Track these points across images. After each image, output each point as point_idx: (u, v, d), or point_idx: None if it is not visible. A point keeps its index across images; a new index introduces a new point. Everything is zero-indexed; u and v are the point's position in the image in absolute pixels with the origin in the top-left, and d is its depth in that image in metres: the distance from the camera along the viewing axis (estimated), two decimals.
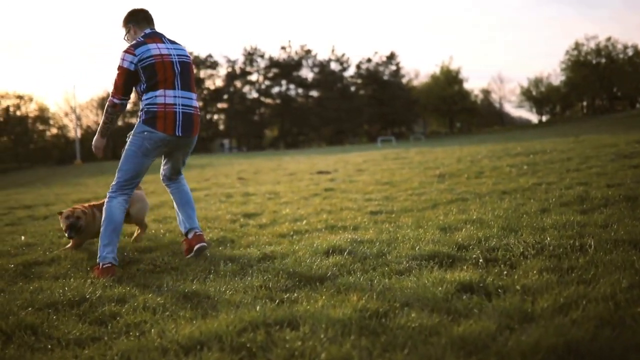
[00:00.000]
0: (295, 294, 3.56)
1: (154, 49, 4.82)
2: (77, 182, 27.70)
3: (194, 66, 5.28)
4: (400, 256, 4.39)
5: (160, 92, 4.82)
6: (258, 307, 3.19)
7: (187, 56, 5.01)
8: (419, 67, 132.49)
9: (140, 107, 4.90)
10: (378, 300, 3.19)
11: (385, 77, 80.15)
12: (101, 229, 4.87)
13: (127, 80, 4.81)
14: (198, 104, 5.12)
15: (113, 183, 5.00)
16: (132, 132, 4.94)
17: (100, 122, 5.03)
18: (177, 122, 4.85)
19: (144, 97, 4.90)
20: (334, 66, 79.13)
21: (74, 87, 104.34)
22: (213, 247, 5.74)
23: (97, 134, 5.12)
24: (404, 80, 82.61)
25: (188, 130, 4.94)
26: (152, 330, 3.07)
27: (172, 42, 5.00)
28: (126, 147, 4.93)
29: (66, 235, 5.76)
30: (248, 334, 2.82)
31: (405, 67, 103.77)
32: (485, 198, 7.68)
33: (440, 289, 3.28)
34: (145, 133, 4.82)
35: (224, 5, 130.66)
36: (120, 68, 4.80)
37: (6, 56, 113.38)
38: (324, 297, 3.38)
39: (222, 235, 6.34)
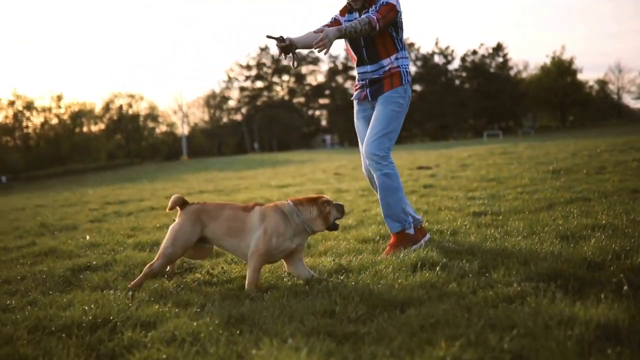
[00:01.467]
0: (365, 328, 2.66)
1: None
2: (178, 178, 28.09)
3: None
4: (510, 274, 3.37)
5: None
6: (305, 351, 2.30)
7: None
8: (527, 58, 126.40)
9: (396, 64, 4.59)
10: (478, 347, 2.22)
11: (492, 70, 77.05)
12: (388, 199, 4.47)
13: (393, 20, 4.46)
14: None
15: (385, 149, 4.49)
16: (398, 94, 4.56)
17: (348, 26, 4.27)
18: None
19: (400, 55, 4.63)
20: (438, 59, 76.95)
21: (181, 89, 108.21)
22: None
23: (335, 30, 4.23)
24: (512, 73, 79.07)
25: None
26: None
27: None
28: (394, 109, 4.54)
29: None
30: None
31: (513, 58, 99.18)
32: (612, 198, 6.42)
33: (569, 332, 2.26)
34: (409, 97, 4.66)
35: None
36: (394, 7, 4.40)
37: (118, 57, 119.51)
38: (401, 337, 2.45)
39: None
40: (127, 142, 67.34)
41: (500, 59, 77.56)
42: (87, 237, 6.45)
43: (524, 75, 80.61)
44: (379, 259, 4.15)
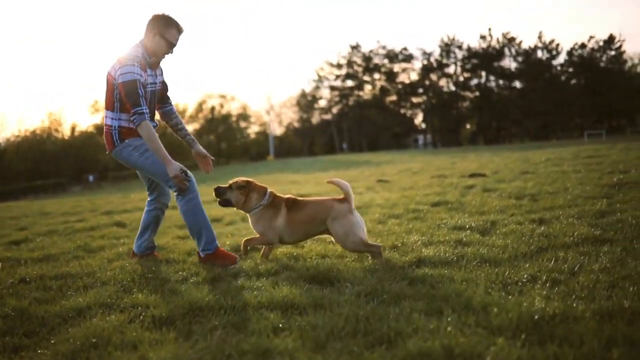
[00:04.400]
0: None
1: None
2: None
3: (112, 80, 4.65)
4: None
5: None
6: None
7: (109, 72, 4.68)
8: None
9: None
10: None
11: (602, 64, 71.26)
12: None
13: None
14: (114, 121, 4.74)
15: None
16: None
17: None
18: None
19: None
20: (541, 54, 72.20)
21: (272, 89, 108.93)
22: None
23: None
24: (626, 67, 72.82)
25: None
26: None
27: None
28: None
29: None
30: None
31: (627, 51, 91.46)
32: None
33: None
34: None
35: None
36: None
37: (210, 59, 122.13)
38: None
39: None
40: (218, 142, 67.94)
41: (612, 53, 71.64)
42: None
43: None
44: None
